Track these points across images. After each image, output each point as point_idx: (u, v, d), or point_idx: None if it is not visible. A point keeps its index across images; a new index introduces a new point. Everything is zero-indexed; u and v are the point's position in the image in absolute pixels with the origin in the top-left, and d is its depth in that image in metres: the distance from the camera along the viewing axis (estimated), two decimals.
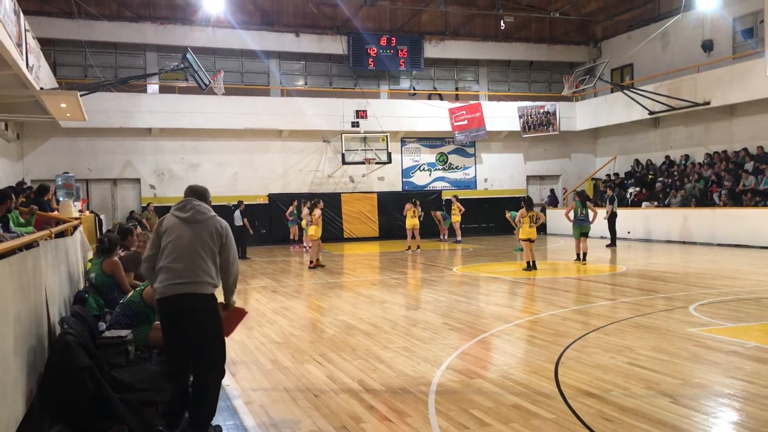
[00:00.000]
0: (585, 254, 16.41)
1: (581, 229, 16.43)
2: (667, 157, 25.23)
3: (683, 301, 10.07)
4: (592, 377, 6.02)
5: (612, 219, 20.73)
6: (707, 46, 23.63)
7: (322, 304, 10.96)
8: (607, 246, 20.45)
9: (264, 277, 15.21)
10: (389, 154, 26.01)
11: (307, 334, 8.48)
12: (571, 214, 16.73)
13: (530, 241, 14.97)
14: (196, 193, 5.11)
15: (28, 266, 4.65)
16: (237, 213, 20.03)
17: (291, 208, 22.69)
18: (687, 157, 24.44)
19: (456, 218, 23.73)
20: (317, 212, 17.02)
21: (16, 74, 12.25)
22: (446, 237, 24.75)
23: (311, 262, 16.88)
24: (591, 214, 16.59)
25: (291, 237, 23.00)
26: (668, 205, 22.55)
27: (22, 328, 4.10)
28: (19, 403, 3.88)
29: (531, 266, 14.77)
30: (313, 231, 17.00)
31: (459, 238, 23.80)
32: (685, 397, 5.43)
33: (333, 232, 25.42)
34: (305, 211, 21.81)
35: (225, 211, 22.55)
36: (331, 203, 25.91)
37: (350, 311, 10.32)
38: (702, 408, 5.18)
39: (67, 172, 17.47)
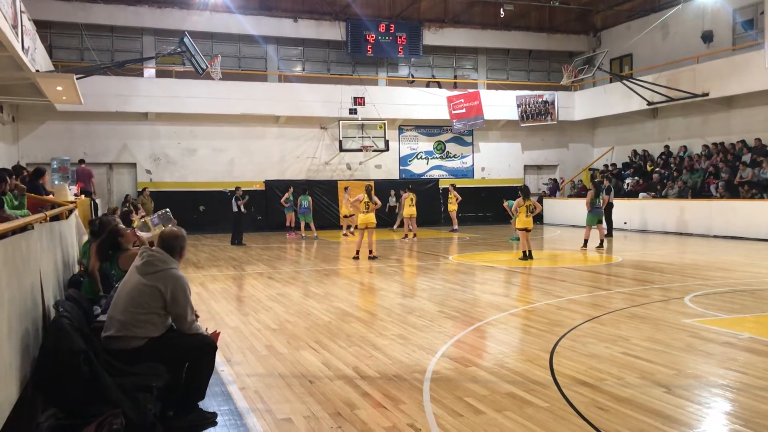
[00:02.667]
0: (587, 241, 17.13)
1: (598, 217, 17.36)
2: (666, 147, 25.22)
3: (679, 292, 10.09)
4: (587, 366, 6.03)
5: (608, 209, 20.76)
6: (707, 36, 23.57)
7: (318, 291, 10.96)
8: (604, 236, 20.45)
9: (260, 263, 15.20)
10: (387, 142, 25.95)
11: (303, 320, 8.48)
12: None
13: (526, 230, 14.98)
14: (162, 240, 4.97)
15: (23, 249, 4.62)
16: (233, 201, 19.92)
17: (286, 195, 22.61)
18: (685, 148, 24.44)
19: (453, 207, 23.69)
20: (376, 199, 15.95)
21: (12, 56, 12.17)
22: (396, 227, 24.52)
23: (370, 251, 15.82)
24: (602, 202, 17.63)
25: (287, 224, 22.95)
26: (665, 196, 22.56)
27: (16, 311, 4.08)
28: (13, 387, 3.86)
29: (527, 256, 14.78)
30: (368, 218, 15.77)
31: (455, 227, 23.78)
32: (679, 387, 5.45)
33: (330, 220, 25.39)
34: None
35: (221, 197, 22.58)
36: (327, 191, 25.89)
37: (346, 298, 10.33)
38: (696, 398, 5.19)
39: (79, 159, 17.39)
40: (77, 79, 16.00)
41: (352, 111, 25.69)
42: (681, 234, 21.07)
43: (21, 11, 12.47)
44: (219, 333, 5.19)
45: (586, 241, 17.10)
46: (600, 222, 17.46)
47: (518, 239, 18.43)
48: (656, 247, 17.82)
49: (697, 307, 8.86)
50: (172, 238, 4.96)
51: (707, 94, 22.10)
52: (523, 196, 15.13)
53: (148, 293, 4.66)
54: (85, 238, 10.67)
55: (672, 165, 24.08)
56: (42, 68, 15.97)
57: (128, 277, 4.84)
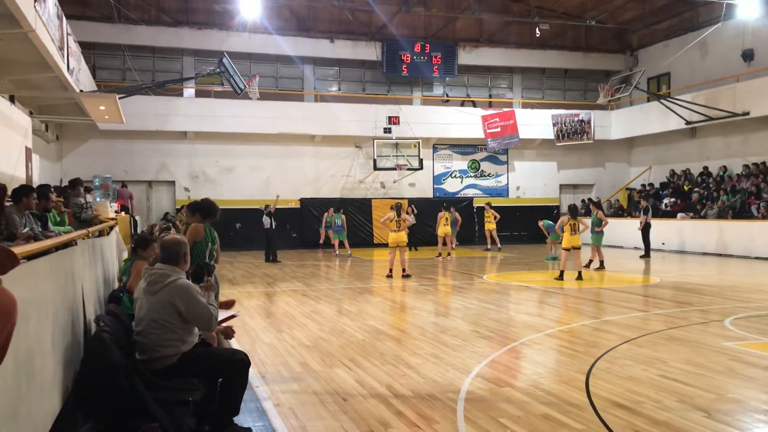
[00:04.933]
0: (602, 261, 16.86)
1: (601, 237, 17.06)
2: (705, 167, 24.81)
3: (719, 315, 9.88)
4: (624, 389, 5.94)
5: (646, 230, 20.41)
6: (748, 55, 23.23)
7: (351, 309, 10.99)
8: (641, 257, 20.15)
9: (294, 280, 15.30)
10: (421, 161, 26.00)
11: (336, 338, 8.51)
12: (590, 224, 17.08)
13: (573, 249, 14.68)
14: (164, 250, 4.97)
15: (66, 265, 4.75)
16: (264, 217, 20.07)
17: (328, 215, 22.47)
18: (725, 168, 24.01)
19: (491, 226, 23.47)
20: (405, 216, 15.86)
21: (58, 77, 12.55)
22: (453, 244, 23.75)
23: (403, 270, 15.67)
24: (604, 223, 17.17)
25: (331, 242, 22.79)
26: (704, 217, 22.16)
27: (59, 325, 4.18)
28: (56, 399, 3.96)
29: (579, 275, 14.52)
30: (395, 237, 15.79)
31: (498, 245, 23.42)
32: (719, 411, 5.33)
33: (363, 238, 25.48)
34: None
35: (257, 215, 22.74)
36: (361, 209, 25.99)
37: (379, 316, 10.33)
38: (737, 423, 5.07)
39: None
40: (119, 98, 16.40)
41: (387, 130, 25.84)
42: (721, 255, 20.64)
43: (67, 33, 12.87)
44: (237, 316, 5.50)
45: (602, 261, 16.78)
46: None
47: (554, 259, 18.26)
48: (695, 269, 17.48)
49: (738, 330, 8.66)
50: (174, 245, 4.96)
51: (748, 113, 21.72)
52: (570, 214, 14.81)
53: (163, 310, 4.69)
54: (125, 254, 10.89)
55: (711, 185, 23.67)
56: (86, 88, 16.42)
57: (140, 301, 4.86)
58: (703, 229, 21.78)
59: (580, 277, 14.49)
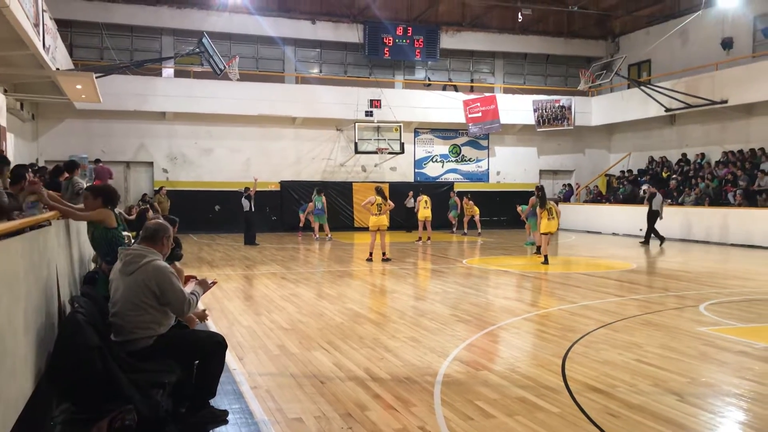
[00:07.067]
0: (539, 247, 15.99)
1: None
2: (684, 155, 25.01)
3: (694, 300, 10.01)
4: (599, 373, 6.00)
5: (652, 217, 19.92)
6: (727, 43, 23.41)
7: (331, 292, 10.98)
8: (641, 243, 20.00)
9: (273, 263, 15.24)
10: (402, 145, 25.95)
11: (315, 321, 8.49)
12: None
13: (550, 234, 14.83)
14: (145, 230, 4.95)
15: (40, 245, 4.68)
16: (243, 200, 19.86)
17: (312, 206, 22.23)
18: (703, 155, 24.23)
19: (470, 212, 23.60)
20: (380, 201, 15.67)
21: (33, 54, 12.31)
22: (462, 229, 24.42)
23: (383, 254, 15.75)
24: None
25: (311, 226, 22.62)
26: (682, 204, 22.37)
27: (32, 305, 4.13)
28: (28, 380, 3.91)
29: (547, 260, 14.64)
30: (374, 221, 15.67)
31: (479, 230, 23.64)
32: (692, 395, 5.40)
33: (343, 221, 25.44)
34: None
35: (237, 197, 22.60)
36: (342, 192, 25.93)
37: (358, 300, 10.34)
38: (709, 407, 5.15)
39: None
40: (96, 78, 16.15)
41: (369, 113, 25.73)
42: (697, 242, 20.88)
43: (43, 10, 12.61)
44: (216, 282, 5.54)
45: (539, 247, 16.02)
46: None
47: (533, 243, 18.34)
48: (672, 255, 17.67)
49: (712, 316, 8.79)
50: (156, 225, 5.00)
51: (726, 102, 21.91)
52: (540, 203, 14.88)
53: (138, 291, 4.65)
54: None
55: (689, 172, 23.89)
56: (62, 67, 16.14)
57: (115, 282, 4.83)
58: (680, 216, 21.97)
59: (546, 261, 14.71)
